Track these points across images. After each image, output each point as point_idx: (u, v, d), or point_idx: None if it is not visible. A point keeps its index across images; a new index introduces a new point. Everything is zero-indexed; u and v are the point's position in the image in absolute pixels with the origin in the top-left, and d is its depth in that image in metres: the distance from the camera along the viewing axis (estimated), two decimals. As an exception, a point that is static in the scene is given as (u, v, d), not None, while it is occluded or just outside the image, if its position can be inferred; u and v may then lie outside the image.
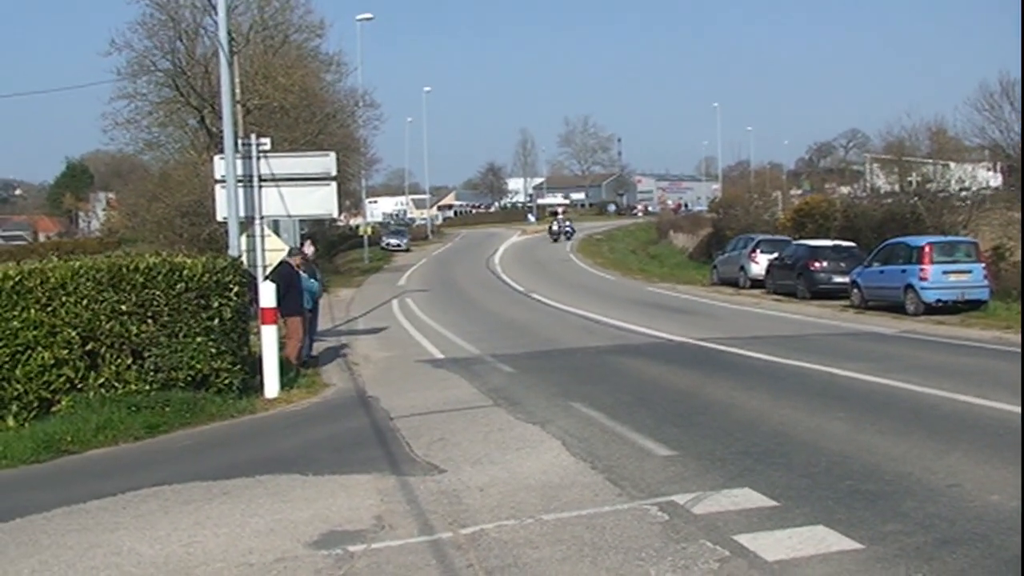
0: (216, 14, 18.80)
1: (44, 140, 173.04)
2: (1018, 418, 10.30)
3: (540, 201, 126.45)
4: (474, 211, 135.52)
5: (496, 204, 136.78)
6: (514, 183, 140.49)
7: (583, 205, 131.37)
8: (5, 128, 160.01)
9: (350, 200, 73.73)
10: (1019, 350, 16.23)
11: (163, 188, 38.80)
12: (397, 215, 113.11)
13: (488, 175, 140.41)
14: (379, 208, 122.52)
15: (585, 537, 6.99)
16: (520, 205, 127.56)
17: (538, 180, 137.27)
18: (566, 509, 7.72)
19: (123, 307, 12.85)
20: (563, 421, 11.38)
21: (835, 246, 31.63)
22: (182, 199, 34.47)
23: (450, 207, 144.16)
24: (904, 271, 24.82)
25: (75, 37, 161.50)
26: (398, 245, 71.06)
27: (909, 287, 24.45)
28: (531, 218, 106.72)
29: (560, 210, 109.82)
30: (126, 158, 65.51)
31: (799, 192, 78.89)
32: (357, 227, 69.02)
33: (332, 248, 55.61)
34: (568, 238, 70.45)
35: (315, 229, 44.84)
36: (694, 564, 6.33)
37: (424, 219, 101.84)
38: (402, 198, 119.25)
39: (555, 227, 74.27)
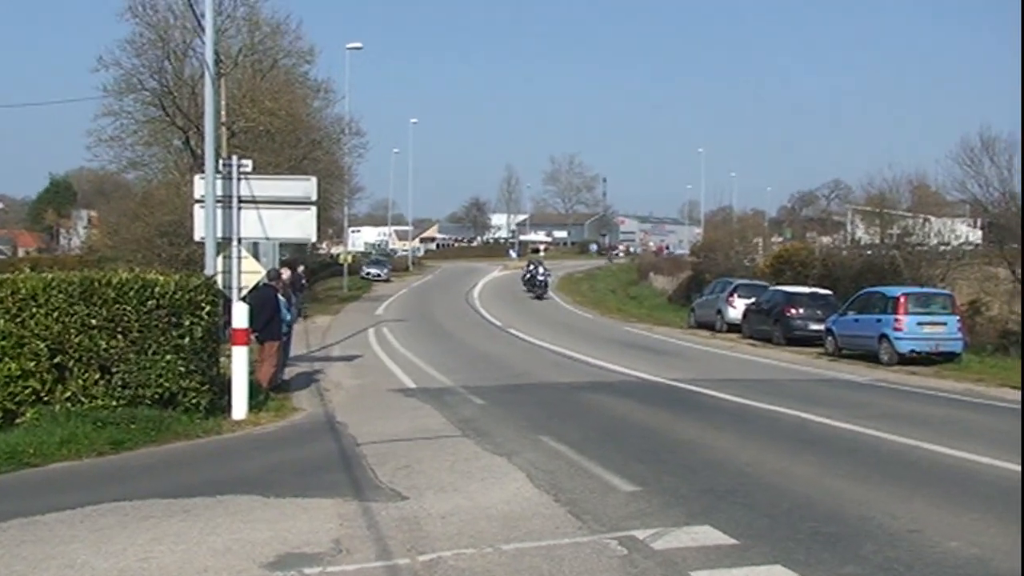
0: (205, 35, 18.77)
1: (28, 155, 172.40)
2: (983, 468, 10.34)
3: (523, 237, 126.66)
4: (456, 244, 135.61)
5: (479, 239, 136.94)
6: (497, 218, 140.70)
7: (566, 244, 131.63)
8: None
9: (332, 228, 73.70)
10: (992, 403, 16.33)
11: (144, 207, 38.69)
12: (378, 245, 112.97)
13: (472, 209, 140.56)
14: (361, 238, 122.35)
15: (543, 568, 6.95)
16: (503, 240, 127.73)
17: (522, 216, 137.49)
18: (526, 540, 7.67)
19: (93, 321, 12.77)
20: (530, 454, 11.34)
21: (812, 293, 31.74)
22: (162, 219, 34.36)
23: (433, 240, 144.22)
24: (879, 320, 24.93)
25: (64, 53, 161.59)
26: (378, 275, 70.84)
27: (883, 337, 24.56)
28: (513, 254, 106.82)
29: (542, 247, 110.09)
30: (110, 177, 65.36)
31: (780, 240, 79.29)
32: (338, 255, 68.89)
33: (312, 275, 55.37)
34: (544, 289, 54.92)
35: (296, 255, 44.74)
36: (650, 599, 6.30)
37: (406, 250, 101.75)
38: (385, 228, 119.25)
39: (529, 274, 56.92)
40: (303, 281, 42.66)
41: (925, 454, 11.61)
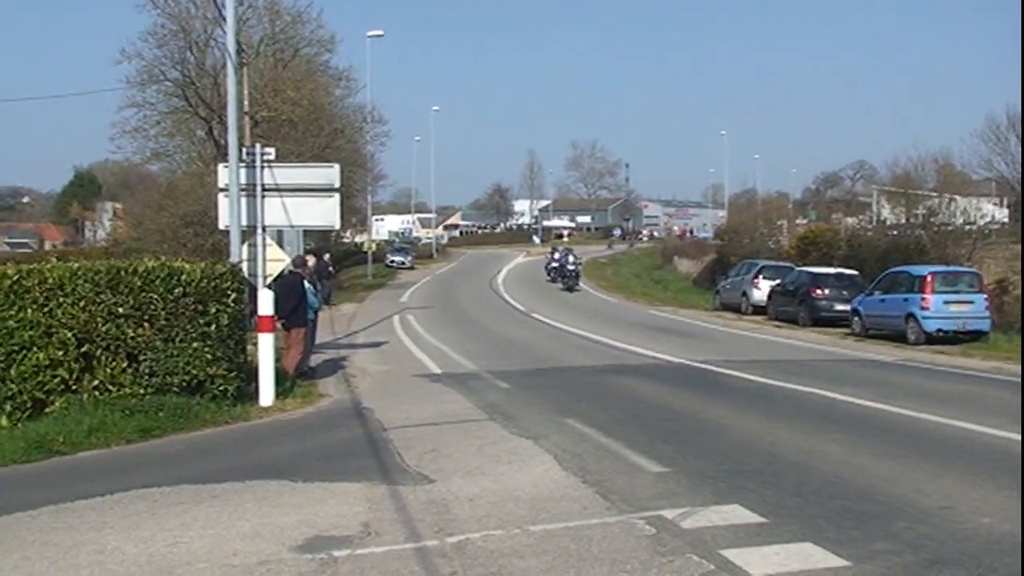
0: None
1: (53, 148, 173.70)
2: (1013, 444, 10.26)
3: (546, 223, 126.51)
4: (480, 231, 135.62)
5: (502, 225, 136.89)
6: (520, 205, 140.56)
7: (589, 229, 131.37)
8: (14, 135, 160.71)
9: (356, 217, 73.84)
10: (1019, 380, 16.19)
11: (169, 198, 38.92)
12: (402, 233, 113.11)
13: (495, 196, 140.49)
14: (385, 226, 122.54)
15: (571, 548, 6.94)
16: (526, 227, 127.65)
17: (545, 202, 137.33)
18: (554, 521, 7.67)
19: (120, 310, 12.82)
20: (556, 436, 11.33)
21: (838, 274, 31.57)
22: (187, 209, 34.53)
23: (456, 227, 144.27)
24: (906, 300, 24.76)
25: (87, 46, 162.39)
26: (402, 263, 70.97)
27: (910, 316, 24.39)
28: (536, 240, 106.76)
29: (566, 233, 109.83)
30: (134, 169, 65.73)
31: (805, 221, 78.86)
32: (361, 244, 69.05)
33: (337, 263, 55.47)
34: (576, 280, 47.98)
35: (321, 244, 44.89)
36: (679, 577, 6.29)
37: (430, 238, 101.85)
38: (408, 216, 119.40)
39: (556, 263, 51.18)
40: (330, 268, 43.00)
41: (954, 431, 11.54)
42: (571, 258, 48.74)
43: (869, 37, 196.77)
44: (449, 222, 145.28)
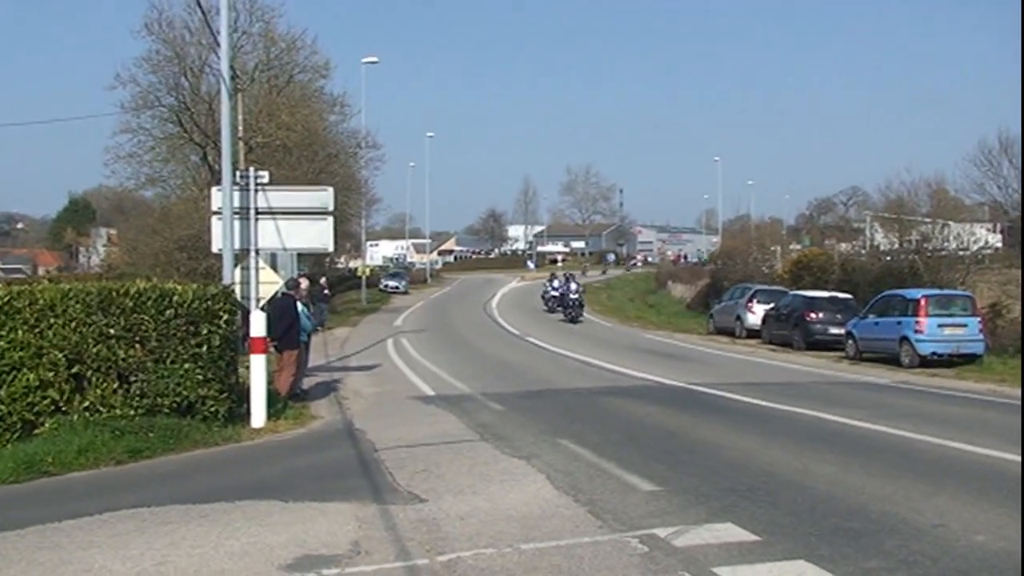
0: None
1: (47, 174, 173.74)
2: (1009, 464, 10.23)
3: (540, 248, 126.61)
4: (474, 256, 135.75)
5: (496, 250, 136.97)
6: (515, 230, 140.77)
7: (583, 254, 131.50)
8: (9, 161, 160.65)
9: (351, 242, 73.81)
10: (1015, 402, 16.20)
11: (163, 223, 38.87)
12: (397, 259, 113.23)
13: (489, 221, 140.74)
14: (379, 251, 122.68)
15: (562, 566, 6.89)
16: (520, 252, 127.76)
17: (539, 228, 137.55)
18: (545, 539, 7.61)
19: (111, 331, 12.75)
20: (549, 456, 11.28)
21: (831, 297, 31.60)
22: (180, 233, 34.49)
23: (450, 252, 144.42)
24: (899, 323, 24.76)
25: (81, 72, 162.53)
26: (396, 287, 71.02)
27: (904, 339, 24.39)
28: (531, 265, 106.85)
29: (560, 258, 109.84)
30: (128, 194, 65.53)
31: (798, 247, 78.96)
32: (355, 269, 69.04)
33: (331, 288, 55.37)
34: (580, 311, 42.60)
35: (315, 269, 44.82)
36: (671, 595, 6.23)
37: (424, 263, 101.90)
38: (403, 242, 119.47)
39: (557, 291, 46.70)
40: (326, 292, 43.05)
41: (947, 451, 11.51)
42: (573, 286, 43.52)
43: (862, 63, 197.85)
44: (444, 247, 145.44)
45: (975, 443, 11.84)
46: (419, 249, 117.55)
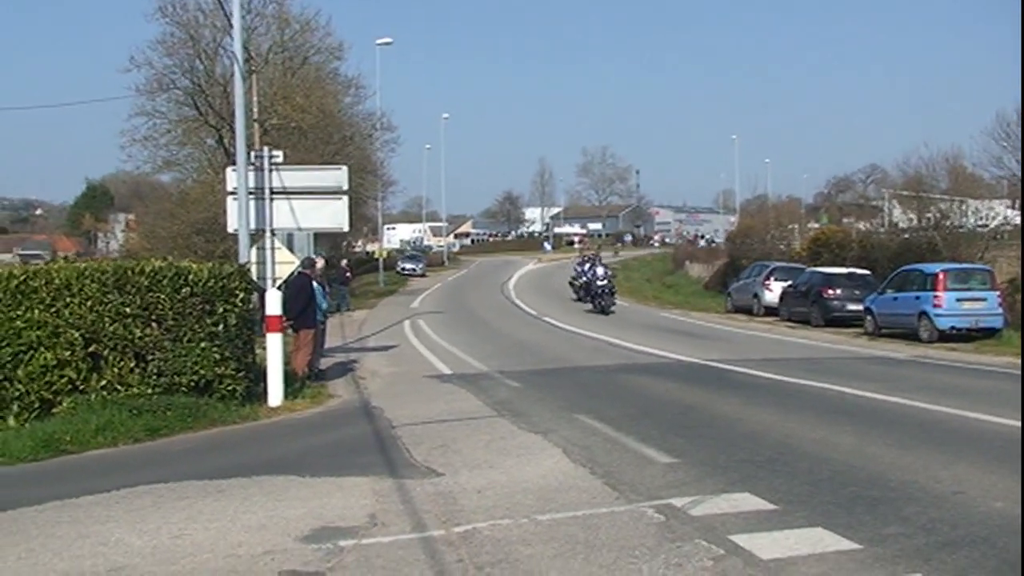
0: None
1: (65, 161, 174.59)
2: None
3: (557, 230, 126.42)
4: (491, 239, 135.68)
5: (513, 233, 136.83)
6: (531, 212, 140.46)
7: (600, 235, 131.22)
8: (28, 149, 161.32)
9: (367, 226, 73.86)
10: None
11: (180, 207, 38.97)
12: (414, 242, 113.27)
13: (505, 204, 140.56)
14: (396, 235, 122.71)
15: (579, 536, 6.88)
16: (537, 234, 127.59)
17: (556, 210, 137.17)
18: (562, 510, 7.61)
19: (127, 310, 12.79)
20: (566, 431, 11.26)
21: (850, 274, 31.41)
22: (197, 216, 34.56)
23: (467, 235, 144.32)
24: (918, 298, 24.62)
25: (98, 56, 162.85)
26: (413, 270, 71.08)
27: (923, 314, 24.26)
28: (547, 246, 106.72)
29: (576, 240, 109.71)
30: (146, 180, 65.86)
31: (817, 226, 78.63)
32: (372, 252, 69.17)
33: (335, 275, 55.33)
34: (611, 298, 36.08)
35: (332, 252, 44.93)
36: (688, 562, 6.21)
37: (441, 246, 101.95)
38: (419, 225, 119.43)
39: (584, 276, 39.34)
40: (348, 274, 43.47)
41: (966, 422, 11.46)
42: (599, 270, 36.54)
43: (877, 39, 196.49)
44: (460, 230, 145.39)
45: (994, 413, 11.77)
46: (436, 232, 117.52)
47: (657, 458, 9.49)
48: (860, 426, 11.20)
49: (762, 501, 7.56)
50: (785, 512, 7.24)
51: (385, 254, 65.89)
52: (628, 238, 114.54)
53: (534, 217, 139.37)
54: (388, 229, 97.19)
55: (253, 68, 37.03)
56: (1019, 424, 10.83)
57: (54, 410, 12.34)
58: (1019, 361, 19.24)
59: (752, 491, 7.89)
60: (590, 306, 36.87)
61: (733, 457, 9.45)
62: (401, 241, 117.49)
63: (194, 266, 13.58)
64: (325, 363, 19.29)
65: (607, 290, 35.67)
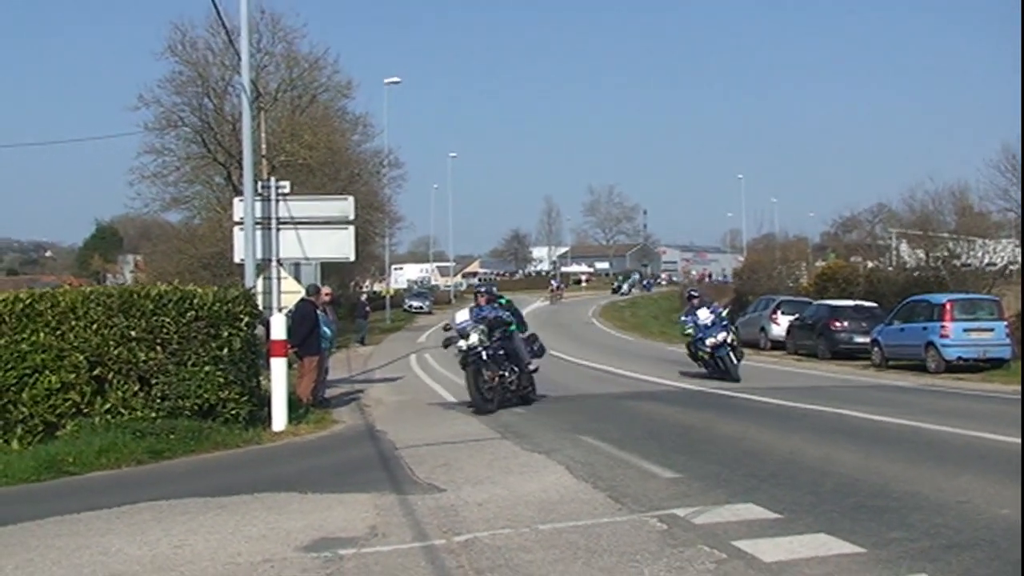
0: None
1: (75, 203, 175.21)
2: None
3: (564, 269, 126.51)
4: (498, 278, 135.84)
5: (520, 272, 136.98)
6: (538, 251, 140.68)
7: (607, 274, 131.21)
8: (38, 192, 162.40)
9: (375, 265, 74.00)
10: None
11: (187, 242, 39.10)
12: (421, 282, 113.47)
13: (513, 243, 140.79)
14: (404, 275, 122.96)
15: (580, 543, 6.83)
16: (545, 273, 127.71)
17: (563, 249, 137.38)
18: (563, 520, 7.56)
19: (132, 333, 12.81)
20: (570, 451, 11.21)
21: (856, 306, 31.34)
22: (204, 251, 34.67)
23: (474, 274, 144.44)
24: (925, 328, 24.53)
25: (106, 98, 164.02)
26: (420, 307, 71.14)
27: (930, 344, 24.16)
28: (555, 283, 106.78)
29: (584, 279, 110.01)
30: (155, 221, 65.89)
31: (824, 264, 78.48)
32: (379, 292, 69.37)
33: (354, 309, 55.48)
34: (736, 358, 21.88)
35: (339, 293, 45.00)
36: (690, 565, 6.16)
37: (448, 286, 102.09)
38: (427, 265, 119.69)
39: (703, 331, 21.88)
40: (367, 309, 44.20)
41: (971, 440, 11.41)
42: (708, 316, 22.39)
43: (881, 75, 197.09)
44: (468, 270, 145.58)
45: (1000, 433, 11.72)
46: (443, 272, 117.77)
47: (660, 473, 9.45)
48: (864, 444, 11.16)
49: (765, 510, 7.51)
50: (788, 520, 7.20)
51: (392, 292, 66.01)
52: (636, 276, 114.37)
53: (541, 256, 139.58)
54: (395, 269, 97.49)
55: (262, 106, 37.32)
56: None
57: (58, 433, 12.33)
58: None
59: (756, 502, 7.84)
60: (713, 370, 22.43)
61: (736, 472, 9.41)
62: (408, 281, 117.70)
63: (199, 290, 13.62)
64: (330, 393, 19.28)
65: (731, 347, 21.95)
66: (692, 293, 26.22)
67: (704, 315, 22.22)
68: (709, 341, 21.56)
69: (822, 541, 6.54)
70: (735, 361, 21.51)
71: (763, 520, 7.24)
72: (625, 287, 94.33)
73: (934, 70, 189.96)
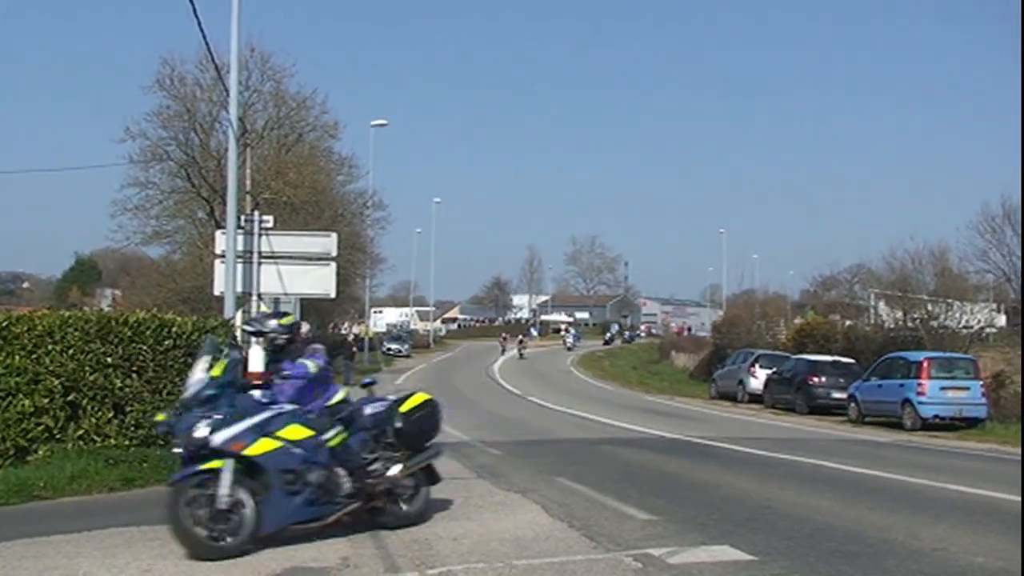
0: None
1: (55, 235, 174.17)
2: (1009, 503, 10.12)
3: (544, 318, 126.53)
4: (478, 324, 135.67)
5: (500, 319, 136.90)
6: (519, 299, 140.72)
7: (587, 325, 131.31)
8: (17, 222, 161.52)
9: (354, 307, 73.85)
10: (1017, 458, 16.08)
11: (166, 276, 38.95)
12: (400, 325, 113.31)
13: (494, 289, 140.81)
14: (383, 318, 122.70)
15: (554, 579, 6.79)
16: (524, 321, 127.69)
17: (543, 297, 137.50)
18: (538, 557, 7.52)
19: (108, 359, 12.68)
20: (546, 491, 11.18)
21: (835, 362, 31.43)
22: (184, 285, 34.53)
23: (454, 320, 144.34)
24: (902, 385, 24.59)
25: (91, 132, 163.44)
26: (399, 350, 70.94)
27: (907, 401, 24.19)
28: (534, 332, 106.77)
29: (563, 328, 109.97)
30: (134, 256, 65.65)
31: (802, 320, 78.79)
32: (358, 335, 69.11)
33: (332, 350, 55.25)
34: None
35: (318, 334, 44.83)
36: (663, 601, 6.12)
37: (427, 330, 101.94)
38: (406, 309, 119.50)
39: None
40: (353, 349, 44.15)
41: (947, 492, 11.46)
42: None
43: (862, 135, 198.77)
44: (447, 316, 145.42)
45: (975, 486, 11.77)
46: (423, 317, 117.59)
47: (636, 515, 9.42)
48: (840, 493, 11.18)
49: (741, 553, 7.50)
50: (764, 562, 7.19)
51: (371, 335, 65.82)
52: (615, 327, 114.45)
53: (522, 304, 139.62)
54: (375, 312, 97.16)
55: (248, 142, 37.32)
56: (1005, 496, 10.83)
57: (29, 458, 12.16)
58: (1004, 448, 19.27)
59: (731, 544, 7.83)
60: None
61: (712, 516, 9.39)
62: (387, 324, 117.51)
63: (178, 319, 13.53)
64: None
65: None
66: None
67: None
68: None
69: (797, 582, 6.52)
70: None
71: (739, 562, 7.22)
72: (608, 335, 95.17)
73: (916, 128, 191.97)
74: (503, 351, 72.77)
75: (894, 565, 7.07)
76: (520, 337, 78.94)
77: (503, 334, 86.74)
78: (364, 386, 10.23)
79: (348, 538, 8.47)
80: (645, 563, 7.18)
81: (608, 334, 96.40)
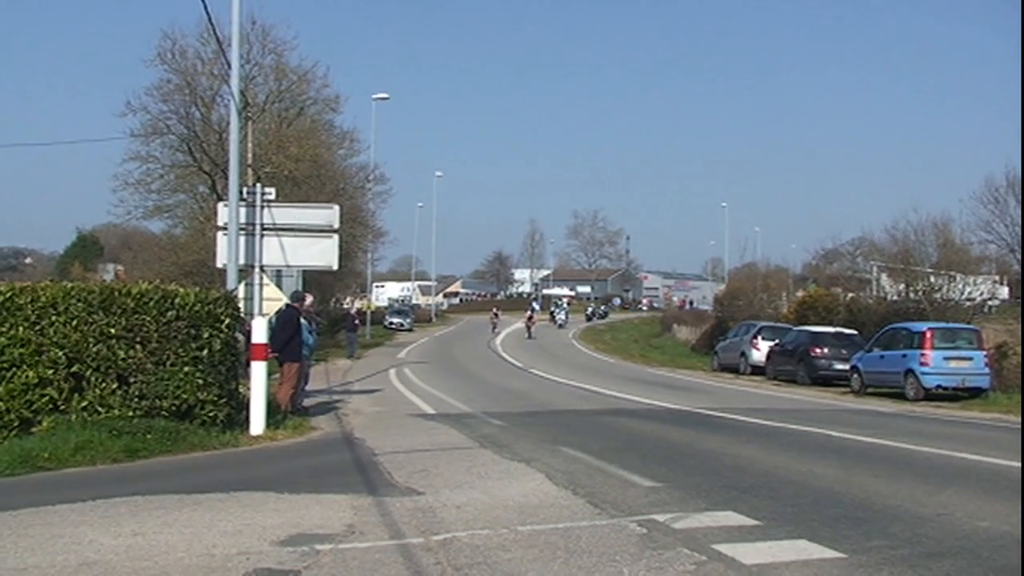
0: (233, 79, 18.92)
1: (57, 211, 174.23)
2: (1014, 470, 10.12)
3: (546, 291, 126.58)
4: (479, 299, 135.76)
5: (502, 293, 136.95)
6: (521, 273, 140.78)
7: (589, 298, 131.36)
8: (19, 197, 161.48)
9: (356, 282, 73.84)
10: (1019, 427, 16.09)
11: (169, 251, 38.92)
12: (402, 300, 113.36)
13: (495, 263, 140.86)
14: (385, 293, 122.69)
15: (559, 544, 6.81)
16: (526, 295, 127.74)
17: (545, 272, 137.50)
18: (542, 523, 7.54)
19: (112, 331, 12.67)
20: (549, 459, 11.20)
21: (837, 333, 31.42)
22: (186, 259, 34.51)
23: (456, 294, 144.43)
24: (905, 356, 24.58)
25: (93, 104, 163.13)
26: (401, 324, 71.01)
27: (909, 372, 24.20)
28: (536, 306, 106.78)
29: (565, 301, 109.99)
30: (136, 231, 65.62)
31: (804, 293, 78.65)
32: (360, 308, 69.14)
33: (335, 325, 55.32)
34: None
35: (320, 307, 44.87)
36: (670, 566, 6.14)
37: (429, 304, 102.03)
38: (408, 284, 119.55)
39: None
40: (356, 322, 44.26)
41: (952, 459, 11.46)
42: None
43: (867, 106, 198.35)
44: (449, 290, 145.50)
45: (979, 454, 11.76)
46: (425, 291, 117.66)
47: (640, 482, 9.43)
48: (846, 461, 11.18)
49: (745, 518, 7.51)
50: (769, 527, 7.20)
51: (373, 309, 65.86)
52: (617, 301, 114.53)
53: (523, 278, 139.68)
54: (377, 287, 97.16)
55: (249, 116, 37.17)
56: (1008, 463, 10.83)
57: (33, 429, 12.17)
58: (1006, 417, 19.27)
59: (736, 510, 7.84)
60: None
61: (716, 483, 9.39)
62: (389, 299, 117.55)
63: (181, 290, 13.49)
64: (308, 402, 19.14)
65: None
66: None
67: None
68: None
69: (802, 547, 6.53)
70: None
71: (743, 526, 7.23)
72: (588, 311, 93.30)
73: (919, 102, 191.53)
74: (494, 328, 67.28)
75: (900, 530, 7.07)
76: (528, 313, 71.71)
77: (493, 308, 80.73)
78: None
79: (353, 505, 8.52)
80: (650, 528, 7.19)
81: (588, 309, 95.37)
